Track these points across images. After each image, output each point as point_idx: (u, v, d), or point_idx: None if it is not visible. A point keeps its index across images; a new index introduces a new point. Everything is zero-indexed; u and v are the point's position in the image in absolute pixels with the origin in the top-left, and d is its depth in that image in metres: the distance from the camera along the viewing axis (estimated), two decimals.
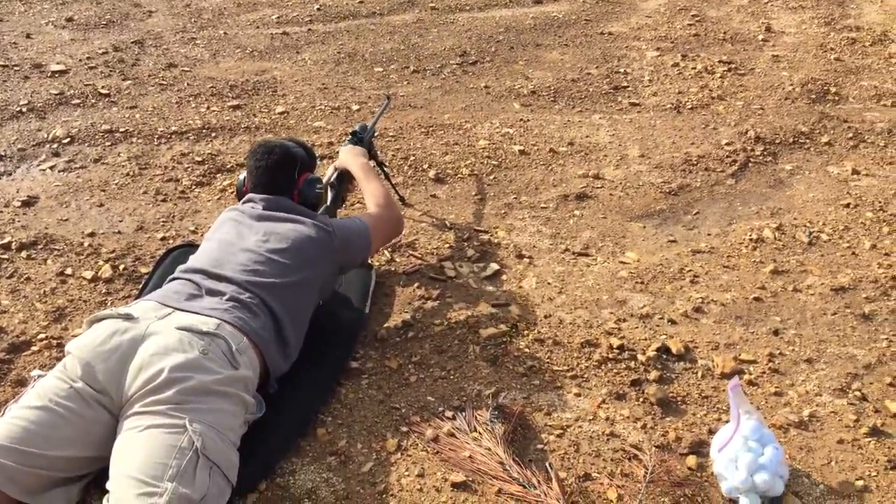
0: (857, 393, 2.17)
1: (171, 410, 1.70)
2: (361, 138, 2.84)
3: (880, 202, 3.11)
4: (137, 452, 1.65)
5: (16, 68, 4.31)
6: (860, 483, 1.89)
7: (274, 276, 2.07)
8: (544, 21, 5.17)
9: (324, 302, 2.33)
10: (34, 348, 2.31)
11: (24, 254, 2.76)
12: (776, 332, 2.42)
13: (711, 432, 2.02)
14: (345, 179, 2.72)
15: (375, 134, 2.96)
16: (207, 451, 1.68)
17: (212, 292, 2.01)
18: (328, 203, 2.64)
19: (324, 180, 2.62)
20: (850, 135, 3.66)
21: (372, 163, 3.03)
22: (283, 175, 2.33)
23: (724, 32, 4.94)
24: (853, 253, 2.81)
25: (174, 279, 2.11)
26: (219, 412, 1.76)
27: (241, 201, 2.36)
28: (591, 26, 5.11)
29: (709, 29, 5.00)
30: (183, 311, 1.92)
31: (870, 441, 2.02)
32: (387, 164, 3.23)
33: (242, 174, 2.43)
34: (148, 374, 1.74)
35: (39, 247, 2.80)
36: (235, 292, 2.00)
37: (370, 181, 2.61)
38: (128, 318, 1.88)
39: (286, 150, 2.35)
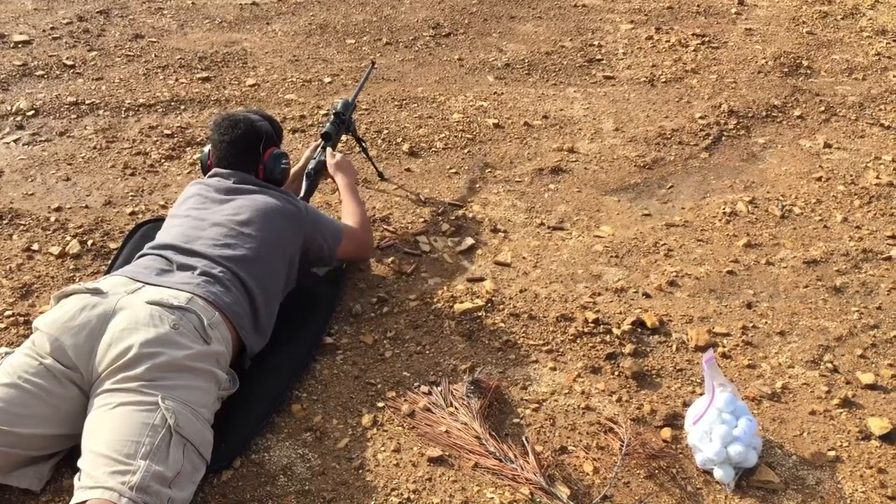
0: (829, 365, 2.20)
1: (143, 387, 1.68)
2: (344, 119, 2.80)
3: (852, 175, 3.14)
4: (109, 430, 1.62)
5: None
6: (832, 454, 1.91)
7: (245, 250, 2.04)
8: None
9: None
10: (0, 325, 2.26)
11: None
12: (749, 305, 2.43)
13: (686, 405, 2.03)
14: (320, 174, 2.67)
15: (354, 106, 2.91)
16: (181, 428, 1.66)
17: (183, 267, 1.98)
18: (302, 194, 2.59)
19: (300, 165, 2.60)
20: (822, 108, 3.68)
21: (345, 137, 3.00)
22: (248, 149, 2.28)
23: (698, 5, 4.93)
24: (825, 226, 2.84)
25: (143, 255, 2.07)
26: (191, 389, 1.74)
27: (207, 175, 2.32)
28: None
29: (682, 2, 4.99)
30: (153, 285, 1.89)
31: (841, 412, 2.04)
32: (365, 140, 3.18)
33: (207, 147, 2.38)
34: (118, 349, 1.71)
35: (4, 222, 2.74)
36: (207, 266, 1.97)
37: (355, 202, 2.53)
38: (96, 292, 1.84)
39: (251, 124, 2.29)
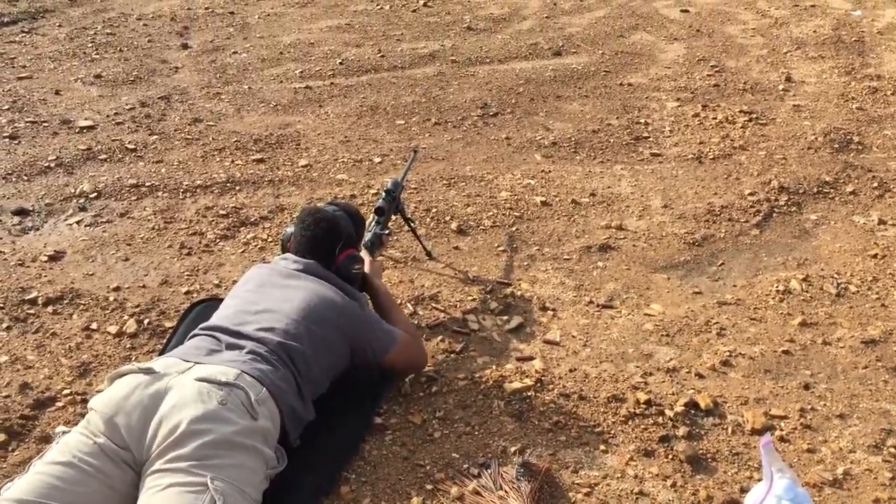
0: (892, 449, 2.12)
1: (193, 468, 1.69)
2: (394, 196, 2.87)
3: None
4: None
5: (45, 124, 4.40)
6: None
7: (291, 339, 2.06)
8: (564, 73, 5.22)
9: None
10: (59, 404, 2.31)
11: (50, 309, 2.78)
12: (807, 387, 2.37)
13: (743, 491, 1.97)
14: (377, 245, 2.74)
15: (403, 186, 2.98)
16: None
17: (231, 346, 2.02)
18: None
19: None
20: (875, 184, 3.64)
21: (394, 217, 3.05)
22: (325, 249, 2.35)
23: (744, 83, 4.95)
24: (882, 304, 2.77)
25: (195, 335, 2.11)
26: (240, 468, 1.75)
27: (277, 257, 2.40)
28: (611, 77, 5.15)
29: (728, 79, 5.02)
30: (203, 364, 1.93)
31: None
32: (414, 219, 3.23)
33: (291, 228, 2.45)
34: (168, 426, 1.74)
35: (65, 301, 2.82)
36: (255, 347, 2.01)
37: (398, 310, 2.52)
38: (149, 372, 1.88)
39: (334, 225, 2.36)
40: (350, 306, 2.24)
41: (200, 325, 2.16)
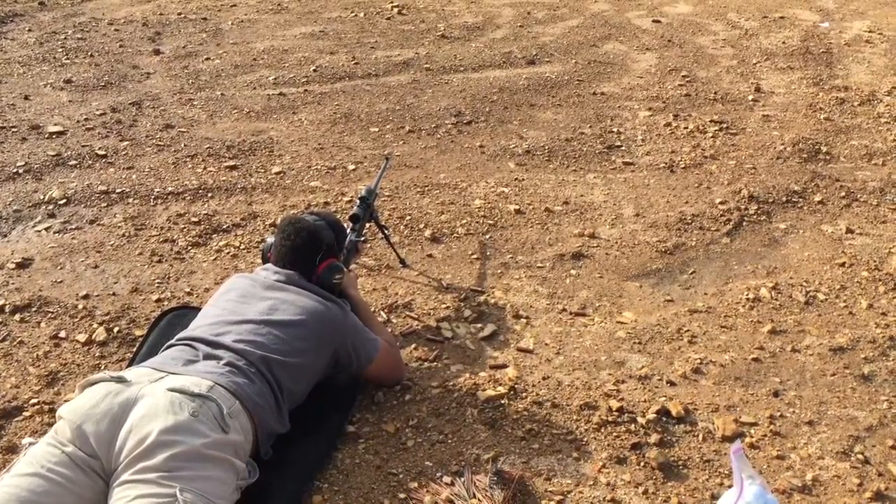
0: (860, 456, 2.15)
1: (161, 479, 1.68)
2: (369, 203, 2.86)
3: (875, 261, 3.12)
4: None
5: (13, 130, 4.34)
6: None
7: (272, 350, 2.06)
8: (537, 81, 5.24)
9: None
10: (26, 413, 2.28)
11: (17, 317, 2.74)
12: (776, 394, 2.40)
13: (714, 497, 1.99)
14: (353, 252, 2.72)
15: (377, 194, 2.98)
16: None
17: (209, 357, 2.00)
18: None
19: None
20: (843, 194, 3.69)
21: (368, 224, 3.05)
22: (305, 258, 2.34)
23: (715, 93, 5.01)
24: (850, 312, 2.81)
25: (171, 345, 2.09)
26: (209, 479, 1.73)
27: (259, 268, 2.39)
28: (584, 86, 5.18)
29: (699, 89, 5.08)
30: (177, 374, 1.91)
31: None
32: (387, 227, 3.22)
33: (270, 239, 2.45)
34: (137, 436, 1.72)
35: (33, 309, 2.78)
36: (233, 359, 1.99)
37: (376, 320, 2.54)
38: (121, 380, 1.87)
39: (314, 234, 2.35)
40: (334, 316, 2.24)
41: (178, 336, 2.14)
